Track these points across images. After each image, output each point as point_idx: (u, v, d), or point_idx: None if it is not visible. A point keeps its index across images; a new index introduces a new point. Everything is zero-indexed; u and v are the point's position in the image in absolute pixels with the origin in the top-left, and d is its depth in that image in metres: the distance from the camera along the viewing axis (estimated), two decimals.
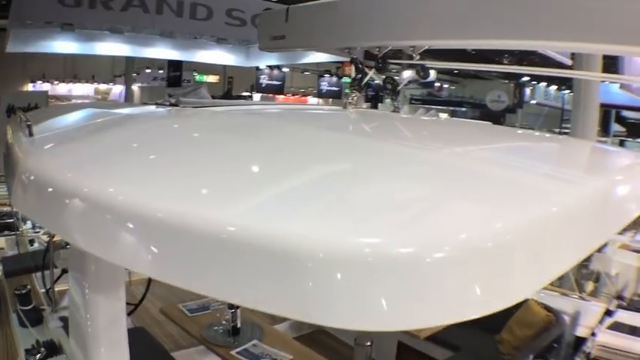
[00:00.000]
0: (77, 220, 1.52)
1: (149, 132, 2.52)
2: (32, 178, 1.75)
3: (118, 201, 1.38)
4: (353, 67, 3.89)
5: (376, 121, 3.48)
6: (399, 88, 3.83)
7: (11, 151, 2.28)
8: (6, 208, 16.90)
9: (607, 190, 1.71)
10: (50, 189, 1.63)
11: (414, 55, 3.55)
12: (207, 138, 2.35)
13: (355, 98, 3.72)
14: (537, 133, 5.07)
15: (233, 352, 5.09)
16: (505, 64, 28.58)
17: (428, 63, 3.71)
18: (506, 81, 38.06)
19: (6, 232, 14.31)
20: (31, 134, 2.18)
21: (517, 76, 36.05)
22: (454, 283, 1.05)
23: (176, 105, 3.35)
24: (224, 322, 5.45)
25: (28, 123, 2.25)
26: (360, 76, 3.83)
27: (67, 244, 6.91)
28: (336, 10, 3.90)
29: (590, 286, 7.06)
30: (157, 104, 3.45)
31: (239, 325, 5.41)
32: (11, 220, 15.70)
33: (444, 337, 5.63)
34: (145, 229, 1.31)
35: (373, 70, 3.75)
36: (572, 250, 1.41)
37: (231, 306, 5.29)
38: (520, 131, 5.75)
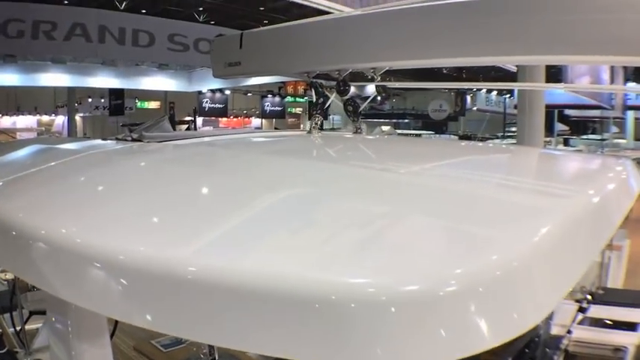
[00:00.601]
0: (40, 263, 1.46)
1: (114, 171, 2.47)
2: None
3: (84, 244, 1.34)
4: (313, 91, 3.89)
5: (346, 144, 3.44)
6: (360, 109, 3.85)
7: None
8: None
9: (597, 200, 1.70)
10: (10, 231, 1.57)
11: (376, 77, 3.57)
12: (178, 174, 2.29)
13: (319, 122, 3.72)
14: (491, 145, 5.15)
15: None
16: (447, 75, 29.25)
17: (389, 84, 3.74)
18: (446, 90, 38.79)
19: None
20: None
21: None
22: (469, 315, 1.03)
23: (139, 140, 3.24)
24: (202, 355, 5.18)
25: None
26: (322, 100, 3.83)
27: (34, 286, 6.78)
28: (293, 35, 3.90)
29: None
30: (117, 139, 3.33)
31: (217, 358, 5.10)
32: None
33: None
34: (109, 270, 1.26)
35: (335, 94, 3.75)
36: (576, 266, 1.40)
37: None
38: (480, 144, 5.81)
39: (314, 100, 3.87)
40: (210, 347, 4.94)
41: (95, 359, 2.74)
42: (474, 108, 39.84)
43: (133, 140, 3.25)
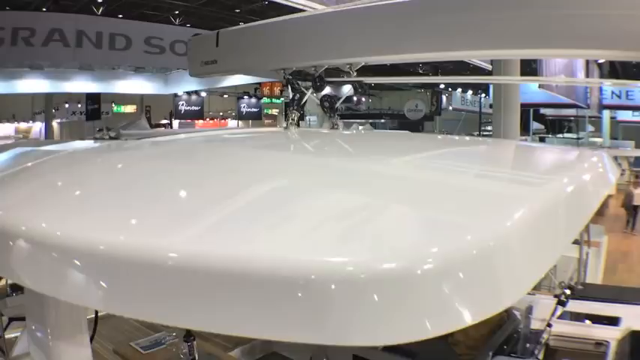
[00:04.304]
0: (22, 260, 1.46)
1: (92, 166, 2.47)
2: None
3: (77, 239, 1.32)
4: (290, 88, 3.92)
5: (322, 138, 3.47)
6: (337, 105, 3.88)
7: None
8: None
9: (572, 187, 1.75)
10: None
11: (352, 72, 3.61)
12: (156, 168, 2.30)
13: (295, 118, 3.75)
14: (467, 138, 5.20)
15: None
16: (421, 73, 29.42)
17: (365, 79, 3.78)
18: (422, 90, 38.99)
19: None
20: None
21: (433, 85, 37.01)
22: (446, 292, 1.05)
23: (116, 138, 3.26)
24: (181, 355, 5.13)
25: None
26: (298, 96, 3.86)
27: (13, 291, 6.66)
28: (269, 32, 3.92)
29: None
30: (95, 139, 3.37)
31: (196, 358, 5.11)
32: None
33: (400, 345, 5.61)
34: (92, 263, 1.26)
35: (311, 90, 3.79)
36: (552, 250, 1.45)
37: (187, 339, 5.02)
38: (457, 137, 5.87)
39: (290, 96, 3.90)
40: (190, 347, 4.94)
41: (74, 357, 2.79)
42: (450, 107, 40.11)
43: (111, 138, 3.26)
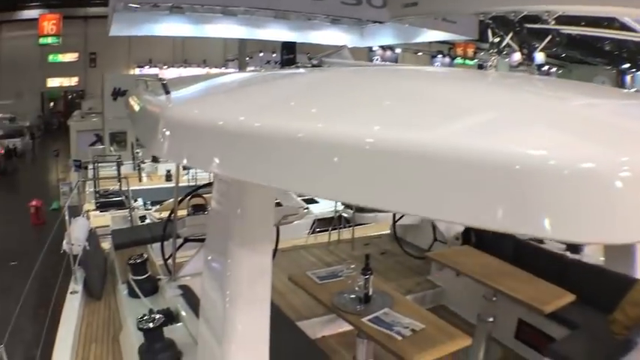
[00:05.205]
0: (274, 159, 1.50)
1: (317, 81, 2.48)
2: (189, 124, 1.80)
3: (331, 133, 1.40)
4: (490, 32, 4.19)
5: (519, 77, 3.56)
6: (536, 52, 4.12)
7: (147, 112, 2.26)
8: (112, 187, 17.82)
9: None
10: (229, 132, 1.61)
11: (549, 20, 3.78)
12: (373, 82, 2.34)
13: (495, 61, 4.00)
14: None
15: (364, 320, 4.80)
16: (609, 52, 27.90)
17: (563, 28, 3.92)
18: (609, 67, 37.29)
19: (112, 210, 15.28)
20: (168, 92, 2.12)
21: (619, 64, 35.24)
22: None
23: (319, 66, 3.33)
24: (357, 288, 5.19)
25: (164, 82, 2.19)
26: (498, 39, 4.12)
27: (195, 211, 7.22)
28: None
29: None
30: (296, 66, 3.51)
31: (370, 293, 5.17)
32: (119, 199, 16.55)
33: (563, 314, 5.56)
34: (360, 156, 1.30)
35: (510, 35, 4.05)
36: None
37: (364, 272, 5.13)
38: None
39: (490, 40, 4.19)
40: (366, 281, 5.11)
41: (256, 281, 2.95)
42: (632, 89, 37.98)
43: (313, 66, 3.38)
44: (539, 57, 11.35)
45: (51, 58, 46.92)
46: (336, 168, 1.33)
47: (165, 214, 9.76)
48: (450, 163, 1.14)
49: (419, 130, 1.33)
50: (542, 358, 5.37)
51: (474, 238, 7.59)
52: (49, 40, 43.18)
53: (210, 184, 6.88)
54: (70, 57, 47.30)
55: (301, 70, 3.22)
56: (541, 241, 7.18)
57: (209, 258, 3.21)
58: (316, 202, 14.05)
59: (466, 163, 1.12)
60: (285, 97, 2.06)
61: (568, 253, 6.90)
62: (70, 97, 51.45)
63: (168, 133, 1.82)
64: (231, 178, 2.50)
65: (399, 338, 4.46)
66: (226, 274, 2.86)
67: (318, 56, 3.64)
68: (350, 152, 1.30)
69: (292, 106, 1.84)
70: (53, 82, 49.55)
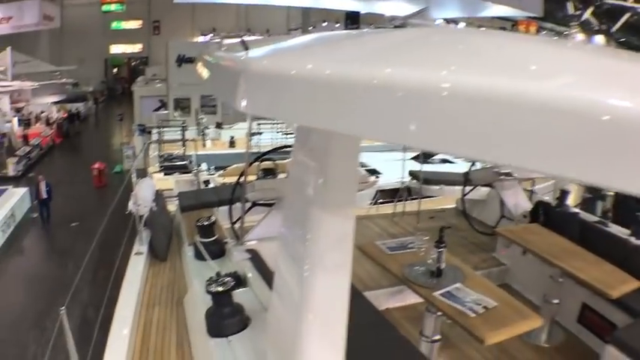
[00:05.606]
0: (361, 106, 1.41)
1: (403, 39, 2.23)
2: (275, 74, 1.70)
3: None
4: (571, 4, 4.24)
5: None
6: (613, 29, 4.11)
7: (226, 68, 2.14)
8: (177, 152, 18.29)
9: None
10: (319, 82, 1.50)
11: None
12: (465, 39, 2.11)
13: (574, 32, 4.07)
14: None
15: (436, 294, 4.64)
16: None
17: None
18: None
19: (176, 174, 15.59)
20: (247, 48, 2.01)
21: None
22: None
23: (403, 27, 3.09)
24: (430, 261, 5.04)
25: (243, 38, 2.12)
26: (578, 12, 4.17)
27: (266, 175, 7.15)
28: None
29: None
30: (376, 27, 3.30)
31: (443, 267, 5.02)
32: (183, 162, 17.03)
33: (627, 301, 5.40)
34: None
35: (591, 8, 4.08)
36: None
37: (438, 245, 4.99)
38: None
39: (569, 12, 4.21)
40: (440, 254, 4.94)
41: (338, 247, 2.80)
42: None
43: (395, 27, 3.12)
44: (599, 39, 11.17)
45: (114, 25, 47.97)
46: (455, 119, 1.21)
47: (228, 179, 9.86)
48: (577, 116, 1.03)
49: (541, 81, 1.19)
50: (603, 345, 5.20)
51: (542, 216, 7.36)
52: (112, 7, 44.11)
53: (279, 149, 6.93)
54: (133, 24, 48.25)
55: (386, 29, 2.92)
56: (606, 224, 7.06)
57: (285, 222, 3.11)
58: (379, 173, 13.97)
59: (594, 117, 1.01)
60: (379, 49, 1.90)
61: (632, 239, 6.73)
62: (133, 63, 52.60)
63: (252, 85, 1.73)
64: (323, 132, 2.40)
65: (472, 315, 4.31)
66: (306, 239, 2.73)
67: (400, 17, 3.38)
68: (465, 102, 1.19)
69: (391, 58, 1.68)
70: (116, 49, 50.69)
